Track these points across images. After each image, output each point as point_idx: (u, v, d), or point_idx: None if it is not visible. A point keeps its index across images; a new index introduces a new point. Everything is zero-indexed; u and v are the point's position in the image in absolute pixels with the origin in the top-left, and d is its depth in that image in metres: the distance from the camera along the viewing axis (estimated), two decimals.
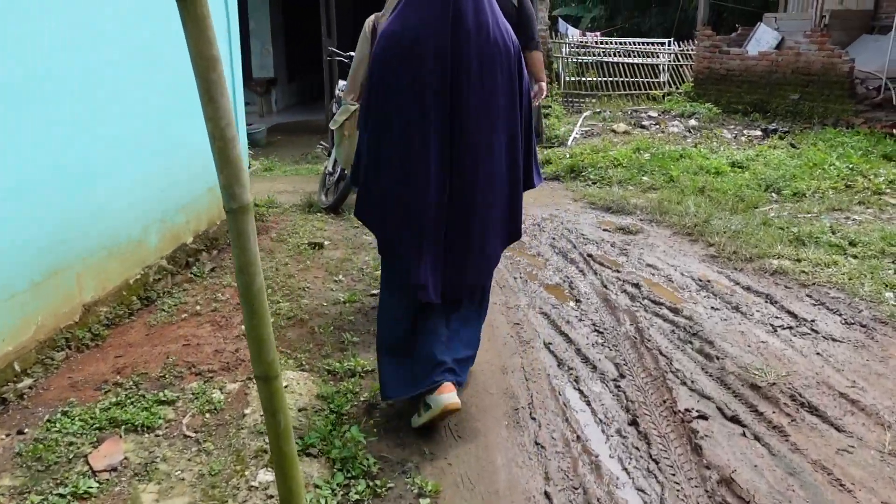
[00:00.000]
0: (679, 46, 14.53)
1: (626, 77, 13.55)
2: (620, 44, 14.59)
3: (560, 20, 17.06)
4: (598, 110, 10.57)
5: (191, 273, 4.46)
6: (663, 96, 13.00)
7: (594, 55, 13.75)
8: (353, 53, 6.54)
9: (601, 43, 14.81)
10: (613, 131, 8.56)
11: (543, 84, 5.17)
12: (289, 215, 5.92)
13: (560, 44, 12.71)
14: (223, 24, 5.15)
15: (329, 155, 6.35)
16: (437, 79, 2.52)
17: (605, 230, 5.52)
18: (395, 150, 2.60)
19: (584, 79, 13.04)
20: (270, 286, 4.30)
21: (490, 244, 2.78)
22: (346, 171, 6.12)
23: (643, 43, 14.94)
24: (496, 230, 2.78)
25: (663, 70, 14.42)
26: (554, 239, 5.31)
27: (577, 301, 4.12)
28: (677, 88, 13.36)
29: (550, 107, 9.20)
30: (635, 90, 13.47)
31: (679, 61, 14.44)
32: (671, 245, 5.13)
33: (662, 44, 15.72)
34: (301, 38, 15.14)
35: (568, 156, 7.61)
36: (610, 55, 13.89)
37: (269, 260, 4.79)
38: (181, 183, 4.47)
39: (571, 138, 8.35)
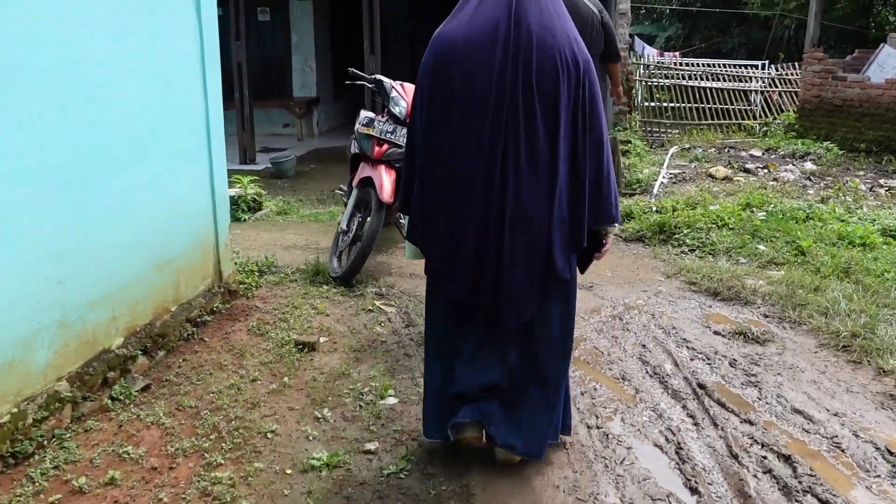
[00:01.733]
0: (777, 70, 12.71)
1: (713, 103, 11.80)
2: (707, 65, 12.83)
3: (636, 39, 15.38)
4: (685, 145, 8.87)
5: (109, 396, 3.04)
6: (759, 128, 11.22)
7: (677, 78, 12.04)
8: (380, 76, 5.13)
9: (681, 64, 13.08)
10: (711, 176, 6.89)
11: (619, 89, 5.73)
12: (286, 287, 4.48)
13: (637, 65, 11.08)
14: (193, 59, 3.75)
15: (346, 204, 4.90)
16: (494, 89, 2.24)
17: (716, 333, 3.89)
18: (447, 171, 2.35)
19: (666, 104, 11.35)
20: (214, 429, 2.84)
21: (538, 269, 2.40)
22: (361, 232, 4.67)
23: (733, 65, 13.15)
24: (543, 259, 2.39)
25: (756, 97, 12.62)
26: (644, 348, 3.71)
27: (695, 493, 2.52)
28: (774, 119, 11.55)
29: (630, 142, 7.60)
30: (724, 119, 11.71)
31: (775, 87, 12.61)
32: (822, 369, 3.47)
33: (754, 66, 13.90)
34: (349, 53, 13.90)
35: (654, 209, 5.98)
36: (695, 78, 12.16)
37: (231, 372, 3.33)
38: (104, 263, 3.07)
39: (658, 184, 6.72)
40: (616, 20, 8.37)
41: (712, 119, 11.61)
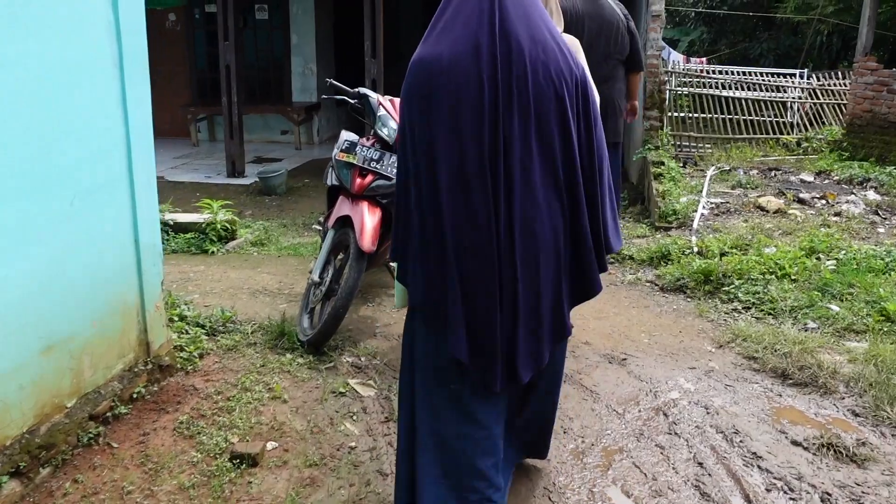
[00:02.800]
0: (819, 80, 11.67)
1: (745, 115, 10.78)
2: (742, 73, 11.81)
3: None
4: (724, 166, 7.87)
5: None
6: (798, 143, 10.20)
7: (706, 86, 11.04)
8: (364, 90, 4.21)
9: (708, 72, 12.06)
10: (761, 208, 5.89)
11: (636, 103, 5.16)
12: (240, 354, 3.57)
13: (669, 72, 10.10)
14: (108, 64, 2.82)
15: (321, 246, 3.98)
16: (485, 120, 1.93)
17: (795, 444, 2.92)
18: (443, 213, 1.99)
19: (696, 115, 10.35)
20: None
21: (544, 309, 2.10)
22: (336, 284, 3.75)
23: (768, 74, 12.14)
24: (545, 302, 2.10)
25: (793, 109, 11.59)
26: (701, 467, 2.75)
27: None
28: (815, 133, 10.52)
29: (663, 163, 6.62)
30: (758, 132, 10.70)
31: (815, 98, 11.58)
32: None
33: (791, 75, 12.88)
34: (355, 55, 12.98)
35: (696, 249, 5.01)
36: (729, 88, 11.15)
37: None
38: None
39: (698, 217, 5.75)
40: (647, 23, 7.40)
41: (746, 132, 10.61)
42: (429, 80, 1.97)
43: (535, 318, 2.07)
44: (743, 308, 4.27)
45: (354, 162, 3.82)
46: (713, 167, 7.62)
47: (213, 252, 5.37)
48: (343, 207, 3.84)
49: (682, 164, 7.89)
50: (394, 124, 3.87)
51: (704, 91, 10.69)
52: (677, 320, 4.19)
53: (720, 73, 11.83)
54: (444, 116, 1.95)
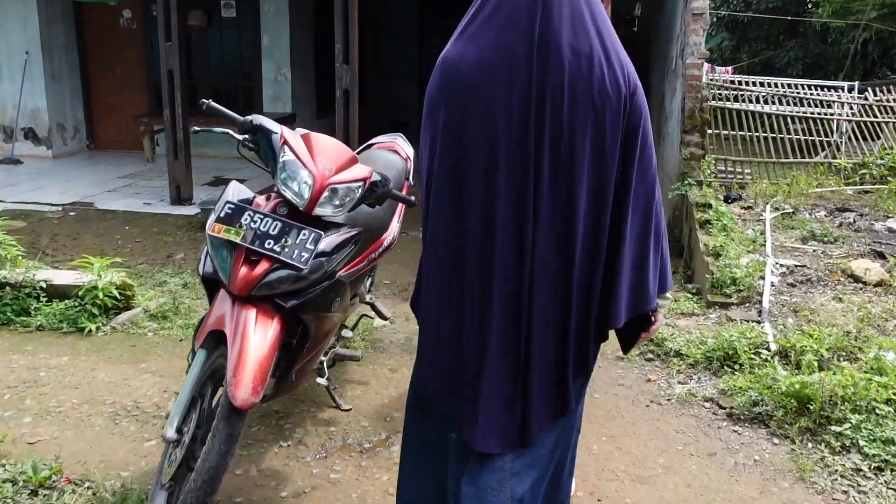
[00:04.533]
0: (875, 95, 10.08)
1: (788, 133, 9.20)
2: (786, 86, 10.24)
3: None
4: (777, 201, 6.27)
5: None
6: (853, 169, 8.63)
7: (741, 100, 9.47)
8: (261, 119, 2.67)
9: (743, 83, 10.45)
10: (855, 278, 4.30)
11: None
12: None
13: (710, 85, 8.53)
14: None
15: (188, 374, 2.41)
16: (515, 129, 1.63)
17: None
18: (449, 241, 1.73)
19: (736, 133, 8.79)
20: None
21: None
22: (200, 446, 2.22)
23: (814, 87, 10.56)
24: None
25: (838, 127, 10.02)
26: None
27: None
28: (874, 157, 8.95)
29: (710, 206, 5.05)
30: (804, 155, 9.13)
31: (867, 115, 10.00)
32: None
33: (836, 89, 11.30)
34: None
35: (774, 348, 3.45)
36: (767, 102, 9.58)
37: None
38: None
39: (767, 289, 4.17)
40: (687, 23, 5.85)
41: (791, 155, 9.04)
42: (451, 88, 1.66)
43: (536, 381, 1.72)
44: (869, 466, 2.70)
45: (237, 241, 2.29)
46: (767, 204, 6.04)
47: (90, 331, 3.83)
48: (219, 312, 2.32)
49: (724, 200, 6.32)
50: (307, 175, 2.35)
51: (743, 107, 9.11)
52: (765, 487, 2.63)
53: (759, 84, 10.24)
54: (467, 129, 1.64)
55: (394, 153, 3.68)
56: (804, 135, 9.33)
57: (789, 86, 10.33)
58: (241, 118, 2.60)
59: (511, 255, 1.66)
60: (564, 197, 1.64)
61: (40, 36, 9.20)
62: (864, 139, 9.60)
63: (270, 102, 9.79)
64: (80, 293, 3.93)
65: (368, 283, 3.68)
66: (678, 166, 5.83)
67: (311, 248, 2.27)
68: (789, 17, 18.68)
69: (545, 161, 1.62)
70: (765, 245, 4.81)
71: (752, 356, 3.42)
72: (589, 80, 1.61)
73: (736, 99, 9.32)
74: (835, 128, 10.08)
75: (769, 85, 10.15)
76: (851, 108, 10.19)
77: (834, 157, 9.24)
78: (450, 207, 1.70)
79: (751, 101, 9.46)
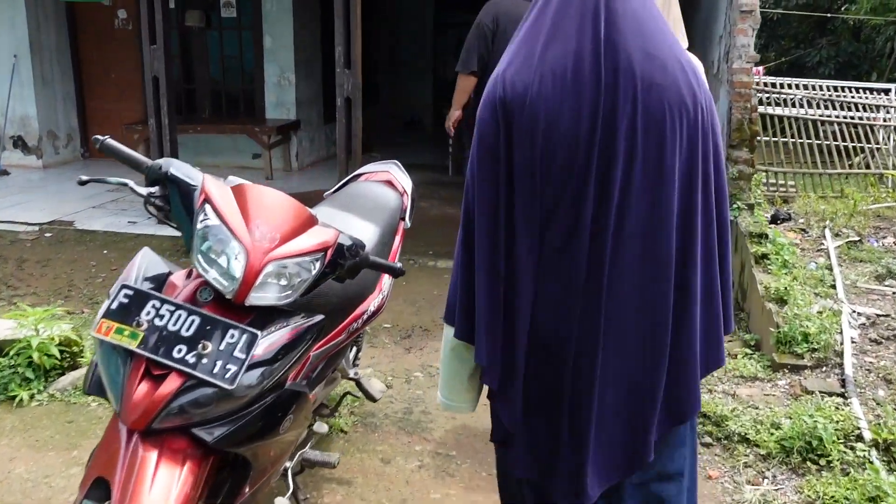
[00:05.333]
0: None
1: (835, 140, 8.38)
2: (832, 90, 9.40)
3: None
4: (846, 232, 5.47)
5: None
6: None
7: (782, 104, 8.66)
8: (175, 167, 1.98)
9: (778, 85, 9.60)
10: None
11: None
12: None
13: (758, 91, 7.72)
14: None
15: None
16: (577, 163, 1.44)
17: None
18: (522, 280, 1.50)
19: (779, 140, 8.00)
20: None
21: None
22: None
23: (861, 90, 9.70)
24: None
25: (885, 133, 9.18)
26: None
27: None
28: None
29: (765, 237, 4.29)
30: (847, 164, 8.31)
31: None
32: None
33: (883, 91, 10.43)
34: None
35: (869, 437, 2.70)
36: (814, 105, 8.77)
37: None
38: None
39: (848, 352, 3.41)
40: (734, 22, 5.09)
41: (832, 164, 8.22)
42: (507, 111, 1.46)
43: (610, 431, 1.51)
44: None
45: (134, 347, 1.59)
46: (825, 228, 5.26)
47: (22, 400, 3.17)
48: (107, 453, 1.62)
49: (771, 220, 5.55)
50: (237, 248, 1.66)
51: (787, 112, 8.31)
52: None
53: (796, 87, 9.41)
54: (528, 154, 1.45)
55: (387, 186, 2.98)
56: (847, 141, 8.50)
57: (833, 88, 9.48)
58: (149, 162, 1.91)
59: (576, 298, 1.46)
60: (649, 224, 1.45)
61: (29, 37, 8.59)
62: None
63: (273, 108, 9.13)
64: (11, 352, 3.27)
65: (353, 353, 2.99)
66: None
67: (242, 356, 1.58)
68: (824, 14, 17.76)
69: (617, 174, 1.43)
70: (834, 286, 4.05)
71: (841, 447, 2.68)
72: (662, 85, 1.44)
73: (777, 103, 8.51)
74: (880, 135, 9.24)
75: (809, 87, 9.31)
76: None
77: (870, 166, 8.41)
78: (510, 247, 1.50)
79: (791, 105, 8.64)
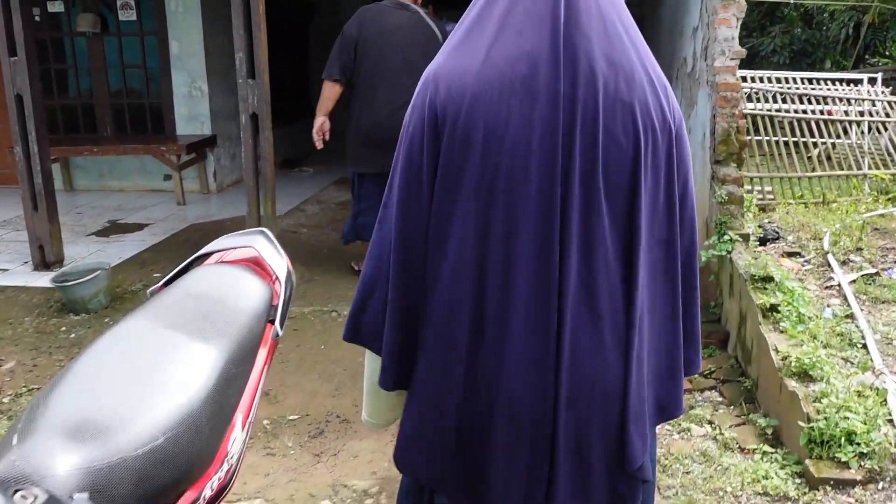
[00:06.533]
0: None
1: (806, 137, 7.61)
2: (805, 81, 8.65)
3: None
4: (848, 255, 4.60)
5: None
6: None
7: (755, 100, 7.86)
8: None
9: (749, 80, 8.82)
10: None
11: None
12: None
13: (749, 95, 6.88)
14: None
15: None
16: (533, 179, 1.25)
17: None
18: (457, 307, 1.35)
19: (752, 138, 7.19)
20: None
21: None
22: None
23: (836, 81, 8.98)
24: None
25: (859, 129, 8.48)
26: None
27: None
28: None
29: (772, 279, 3.37)
30: (824, 166, 7.55)
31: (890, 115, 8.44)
32: None
33: (854, 82, 9.75)
34: (283, 65, 9.64)
35: None
36: (786, 100, 8.01)
37: None
38: None
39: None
40: (714, 11, 4.20)
41: (810, 165, 7.45)
42: (446, 113, 1.27)
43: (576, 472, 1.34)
44: None
45: None
46: (826, 253, 4.40)
47: None
48: None
49: (759, 242, 4.68)
50: None
51: (760, 110, 7.51)
52: None
53: (767, 80, 8.62)
54: (468, 168, 1.26)
55: (249, 271, 1.97)
56: (816, 137, 7.73)
57: (807, 81, 8.73)
58: None
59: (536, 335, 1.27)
60: (610, 251, 1.28)
61: None
62: None
63: (185, 122, 8.00)
64: None
65: None
66: (709, 213, 4.17)
67: None
68: (779, 0, 17.22)
69: (575, 203, 1.23)
70: (864, 344, 3.15)
71: None
72: (628, 99, 1.26)
73: (749, 99, 7.70)
74: (858, 130, 8.52)
75: (773, 80, 8.53)
76: (874, 105, 8.65)
77: (843, 165, 7.66)
78: (466, 275, 1.30)
79: (765, 101, 7.85)
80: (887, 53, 17.55)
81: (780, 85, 8.27)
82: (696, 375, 3.50)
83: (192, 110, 7.96)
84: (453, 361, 1.35)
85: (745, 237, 3.87)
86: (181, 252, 5.87)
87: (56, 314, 4.79)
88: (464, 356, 1.34)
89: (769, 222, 5.73)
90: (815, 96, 8.21)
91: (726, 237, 3.81)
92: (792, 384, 2.78)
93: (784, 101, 8.05)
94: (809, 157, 7.61)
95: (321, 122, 4.77)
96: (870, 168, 7.70)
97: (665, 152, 1.31)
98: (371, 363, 1.52)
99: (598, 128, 1.23)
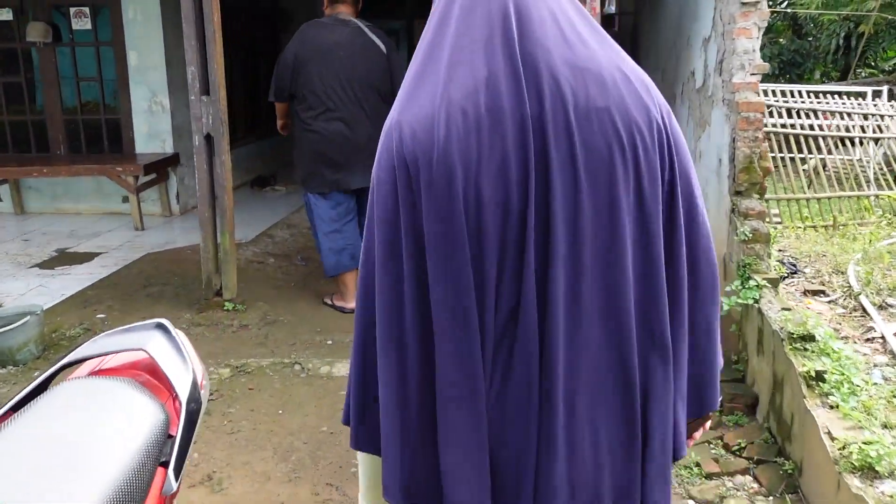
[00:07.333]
0: None
1: (807, 154, 7.11)
2: (815, 95, 8.16)
3: None
4: (881, 295, 4.07)
5: None
6: None
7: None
8: None
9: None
10: None
11: None
12: None
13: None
14: None
15: None
16: (508, 218, 1.16)
17: None
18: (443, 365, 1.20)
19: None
20: None
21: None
22: None
23: (850, 95, 8.51)
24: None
25: (866, 146, 8.02)
26: None
27: None
28: None
29: (813, 338, 2.85)
30: (836, 185, 7.06)
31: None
32: None
33: (858, 95, 9.30)
34: (255, 78, 9.04)
35: None
36: (792, 115, 7.52)
37: None
38: None
39: None
40: (731, 19, 3.67)
41: (819, 185, 6.95)
42: (415, 165, 1.16)
43: None
44: None
45: None
46: (858, 294, 3.86)
47: None
48: None
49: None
50: None
51: (773, 126, 7.00)
52: None
53: (771, 94, 8.13)
54: (439, 216, 1.14)
55: (132, 390, 1.38)
56: (824, 153, 7.24)
57: (820, 95, 8.24)
58: None
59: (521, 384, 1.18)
60: (596, 287, 1.17)
61: None
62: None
63: (145, 140, 7.38)
64: None
65: None
66: (728, 251, 3.62)
67: None
68: (772, 10, 16.93)
69: (559, 232, 1.15)
70: None
71: None
72: (603, 104, 1.15)
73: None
74: (875, 146, 8.05)
75: (773, 93, 8.04)
76: (882, 119, 8.18)
77: (847, 179, 7.18)
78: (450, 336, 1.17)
79: (768, 115, 7.35)
80: (874, 65, 17.31)
81: (786, 99, 7.77)
82: (725, 453, 2.93)
83: (152, 127, 7.34)
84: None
85: (774, 282, 3.32)
86: (131, 289, 5.25)
87: None
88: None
89: (780, 251, 5.21)
90: (824, 111, 7.72)
91: (752, 282, 3.26)
92: (855, 484, 2.22)
93: (789, 115, 7.54)
94: (808, 174, 7.13)
95: (281, 125, 4.91)
96: (879, 187, 7.22)
97: (659, 150, 1.19)
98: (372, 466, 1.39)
99: (573, 143, 1.14)
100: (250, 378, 3.79)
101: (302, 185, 4.69)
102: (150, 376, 1.41)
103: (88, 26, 7.21)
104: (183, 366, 1.42)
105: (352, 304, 4.46)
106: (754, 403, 3.17)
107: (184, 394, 1.36)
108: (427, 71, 1.20)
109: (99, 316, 4.78)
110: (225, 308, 4.69)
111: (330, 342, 4.27)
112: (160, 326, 1.48)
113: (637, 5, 6.85)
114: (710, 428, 2.56)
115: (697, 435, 1.41)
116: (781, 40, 17.71)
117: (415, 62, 1.24)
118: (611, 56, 1.20)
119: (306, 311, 4.82)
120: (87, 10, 7.14)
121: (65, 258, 6.08)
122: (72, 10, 7.15)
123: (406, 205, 1.18)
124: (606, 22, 9.83)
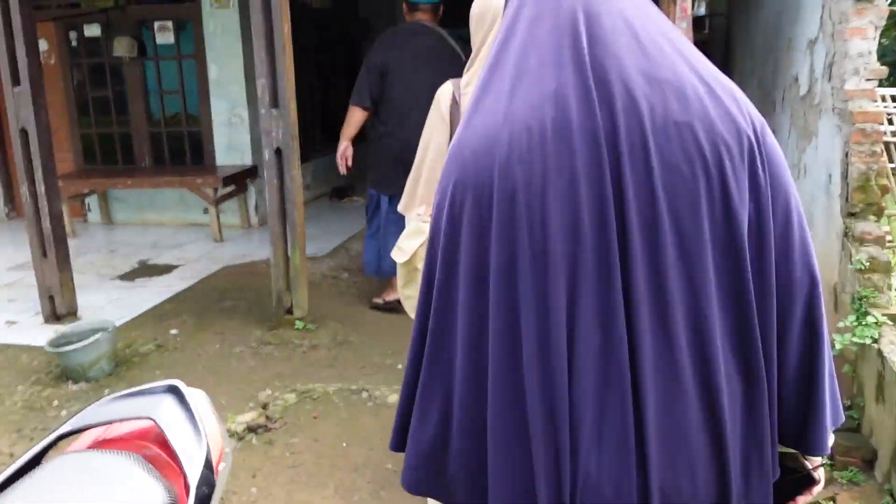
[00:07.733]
0: None
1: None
2: None
3: None
4: None
5: None
6: None
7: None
8: None
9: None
10: None
11: None
12: None
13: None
14: None
15: None
16: (586, 223, 1.05)
17: None
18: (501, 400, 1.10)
19: None
20: None
21: None
22: None
23: None
24: None
25: None
26: None
27: None
28: None
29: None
30: None
31: None
32: None
33: None
34: (323, 90, 9.03)
35: None
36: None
37: None
38: None
39: None
40: (844, 17, 3.28)
41: None
42: (476, 184, 1.09)
43: None
44: None
45: None
46: None
47: None
48: None
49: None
50: None
51: None
52: None
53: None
54: (506, 240, 1.06)
55: (135, 467, 1.18)
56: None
57: None
58: None
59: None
60: (680, 314, 1.04)
61: None
62: None
63: (225, 152, 7.43)
64: None
65: None
66: (840, 281, 3.21)
67: None
68: None
69: (637, 261, 1.03)
70: None
71: None
72: (684, 118, 1.04)
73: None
74: None
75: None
76: None
77: None
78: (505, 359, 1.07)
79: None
80: None
81: None
82: None
83: (231, 139, 7.38)
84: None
85: (895, 318, 2.91)
86: (206, 303, 5.22)
87: (53, 382, 4.17)
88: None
89: None
90: None
91: (870, 318, 2.86)
92: None
93: None
94: None
95: (345, 147, 4.73)
96: None
97: (751, 167, 1.07)
98: None
99: (650, 161, 1.04)
100: (315, 405, 3.63)
101: (373, 186, 4.75)
102: (160, 449, 1.23)
103: (171, 40, 7.31)
104: (195, 439, 1.22)
105: (396, 295, 4.48)
106: (872, 458, 2.78)
107: (194, 476, 1.16)
108: (491, 85, 1.14)
109: (172, 332, 4.75)
110: (296, 327, 4.57)
111: (399, 367, 4.08)
112: (173, 390, 1.30)
113: (730, 6, 6.41)
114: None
115: (802, 500, 1.23)
116: (884, 40, 16.61)
117: (481, 75, 1.16)
118: (693, 65, 1.10)
119: (377, 331, 4.66)
120: (170, 24, 7.24)
121: (145, 270, 6.14)
122: (156, 24, 7.26)
123: (471, 231, 1.10)
124: (697, 24, 9.35)
